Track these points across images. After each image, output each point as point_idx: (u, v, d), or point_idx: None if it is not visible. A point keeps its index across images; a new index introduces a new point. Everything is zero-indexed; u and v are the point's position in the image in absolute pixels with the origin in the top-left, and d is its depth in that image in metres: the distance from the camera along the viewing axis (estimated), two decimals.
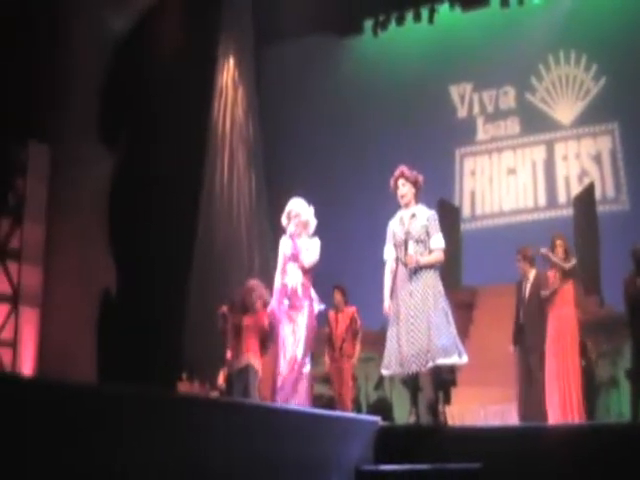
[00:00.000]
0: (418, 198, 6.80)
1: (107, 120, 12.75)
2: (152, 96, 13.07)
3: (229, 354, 9.21)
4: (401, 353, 6.40)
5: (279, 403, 7.04)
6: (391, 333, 6.56)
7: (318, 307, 7.54)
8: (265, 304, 8.91)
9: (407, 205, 6.73)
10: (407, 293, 6.47)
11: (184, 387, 11.08)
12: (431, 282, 6.47)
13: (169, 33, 13.65)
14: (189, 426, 3.86)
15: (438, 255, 6.58)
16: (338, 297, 9.92)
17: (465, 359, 6.41)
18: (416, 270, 6.47)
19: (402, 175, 6.74)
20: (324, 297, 7.79)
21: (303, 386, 7.22)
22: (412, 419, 6.62)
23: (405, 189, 6.72)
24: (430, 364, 6.30)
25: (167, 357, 12.04)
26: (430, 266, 6.53)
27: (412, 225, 6.62)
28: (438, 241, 6.59)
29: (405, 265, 6.52)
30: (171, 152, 13.11)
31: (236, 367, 8.99)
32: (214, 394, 10.20)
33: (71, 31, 11.85)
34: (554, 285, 8.67)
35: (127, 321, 12.04)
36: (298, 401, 7.11)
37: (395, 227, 6.75)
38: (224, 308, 9.36)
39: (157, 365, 11.46)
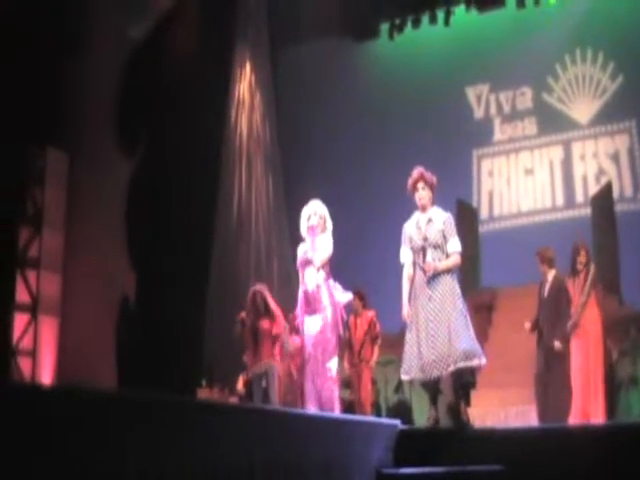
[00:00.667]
0: (434, 201, 6.79)
1: (125, 127, 12.82)
2: (169, 103, 13.13)
3: (248, 359, 9.26)
4: (422, 359, 6.38)
5: (308, 409, 7.04)
6: (410, 338, 6.54)
7: (345, 298, 7.52)
8: (273, 306, 9.03)
9: (424, 208, 6.71)
10: (426, 298, 6.46)
11: (204, 393, 11.11)
12: (449, 286, 6.46)
13: (185, 40, 13.71)
14: (210, 432, 3.87)
15: (455, 259, 6.57)
16: (356, 302, 9.92)
17: (484, 361, 6.41)
18: (434, 275, 6.46)
19: (422, 178, 6.70)
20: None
21: (331, 390, 7.21)
22: (432, 422, 6.60)
23: (425, 192, 6.69)
24: (451, 368, 6.30)
25: (186, 363, 12.07)
26: (448, 270, 6.52)
27: (429, 230, 6.60)
28: (455, 245, 6.58)
29: (423, 271, 6.52)
30: (189, 158, 13.16)
31: (255, 372, 9.05)
32: (233, 400, 10.22)
33: (89, 39, 11.91)
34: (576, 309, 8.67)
35: (146, 328, 12.09)
36: (328, 406, 7.09)
37: (411, 231, 6.72)
38: (242, 314, 9.43)
39: (177, 372, 11.49)
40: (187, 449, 3.65)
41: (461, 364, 6.27)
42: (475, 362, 6.34)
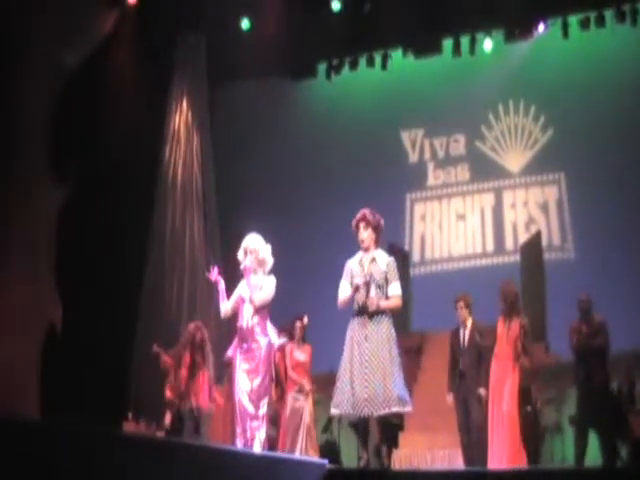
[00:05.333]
0: (379, 242, 6.83)
1: (56, 157, 12.62)
2: (103, 134, 13.00)
3: (172, 393, 9.21)
4: (354, 395, 6.40)
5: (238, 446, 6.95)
6: (344, 374, 6.53)
7: (278, 341, 7.52)
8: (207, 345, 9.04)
9: (367, 249, 6.75)
10: (362, 336, 6.48)
11: (130, 426, 10.95)
12: (386, 328, 6.51)
13: (121, 70, 13.60)
14: (134, 466, 3.81)
15: (397, 301, 6.63)
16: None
17: (410, 409, 6.53)
18: (373, 314, 6.49)
19: (363, 219, 6.76)
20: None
21: (262, 429, 7.13)
22: (363, 463, 6.59)
23: (366, 234, 6.74)
24: (385, 411, 6.33)
25: (113, 396, 11.88)
26: (387, 312, 6.57)
27: (373, 269, 6.64)
28: (396, 288, 6.63)
29: (365, 308, 6.53)
30: (121, 191, 13.03)
31: (187, 406, 8.99)
32: (160, 434, 10.08)
33: (21, 65, 11.74)
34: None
35: (73, 359, 11.87)
36: (259, 444, 7.00)
37: (354, 267, 6.74)
38: (156, 347, 9.44)
39: (103, 404, 11.29)
40: None
41: (395, 409, 6.36)
42: (407, 409, 6.47)
